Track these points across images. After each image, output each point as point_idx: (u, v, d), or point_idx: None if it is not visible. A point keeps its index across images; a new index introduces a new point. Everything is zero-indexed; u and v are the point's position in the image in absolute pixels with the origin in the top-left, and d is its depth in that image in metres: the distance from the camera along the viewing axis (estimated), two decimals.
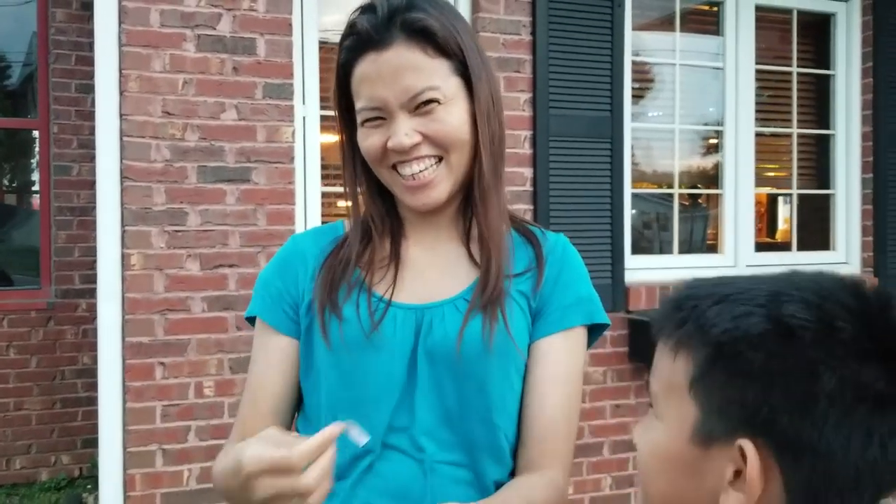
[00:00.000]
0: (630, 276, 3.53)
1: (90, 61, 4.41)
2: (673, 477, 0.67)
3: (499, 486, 1.04)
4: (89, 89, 4.45)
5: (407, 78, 0.99)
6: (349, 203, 1.08)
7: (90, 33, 4.36)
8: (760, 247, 3.92)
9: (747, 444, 0.62)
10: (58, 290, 4.46)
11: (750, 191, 3.81)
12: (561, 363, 1.06)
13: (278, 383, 1.08)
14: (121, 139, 2.74)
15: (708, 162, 3.97)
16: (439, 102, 1.01)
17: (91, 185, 4.46)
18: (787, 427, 0.61)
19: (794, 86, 3.97)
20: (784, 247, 4.04)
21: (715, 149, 3.90)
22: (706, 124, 3.94)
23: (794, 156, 3.98)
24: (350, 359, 1.02)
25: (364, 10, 1.03)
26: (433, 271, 1.07)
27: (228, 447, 1.08)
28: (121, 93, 2.75)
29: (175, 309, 2.79)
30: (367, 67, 1.01)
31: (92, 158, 4.41)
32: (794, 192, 3.99)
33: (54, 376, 4.45)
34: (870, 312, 0.63)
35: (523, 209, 3.31)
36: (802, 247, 4.01)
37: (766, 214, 4.35)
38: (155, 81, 2.78)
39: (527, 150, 3.31)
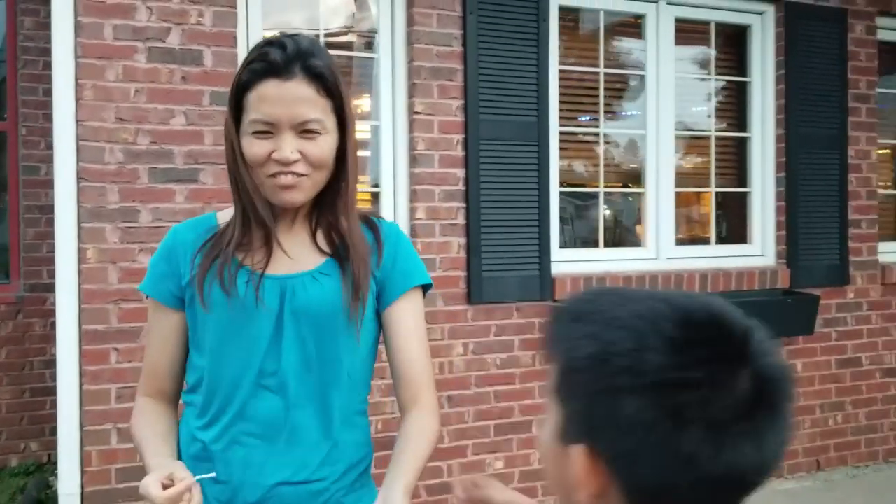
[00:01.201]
0: (558, 268, 3.82)
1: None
2: (553, 467, 0.75)
3: (338, 408, 1.34)
4: None
5: (301, 106, 1.27)
6: (233, 196, 1.36)
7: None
8: (682, 241, 4.23)
9: (576, 450, 0.70)
10: (26, 285, 4.68)
11: (670, 189, 4.11)
12: (410, 319, 1.39)
13: (168, 349, 1.40)
14: (77, 143, 2.99)
15: (634, 162, 4.26)
16: (319, 133, 1.29)
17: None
18: (611, 440, 0.68)
19: (713, 92, 4.28)
20: (704, 241, 4.34)
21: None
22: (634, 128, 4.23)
23: (713, 157, 4.29)
24: (229, 316, 1.31)
25: (274, 44, 1.29)
26: (293, 250, 1.36)
27: (139, 403, 1.42)
28: (77, 100, 3.00)
29: (128, 299, 3.04)
30: (269, 90, 1.27)
31: None
32: (713, 189, 4.30)
33: (23, 367, 4.66)
34: (689, 342, 0.68)
35: (456, 207, 3.59)
36: (721, 241, 4.33)
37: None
38: (109, 90, 3.03)
39: (459, 152, 3.58)
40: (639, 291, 0.77)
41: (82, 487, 3.01)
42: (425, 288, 1.43)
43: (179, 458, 1.36)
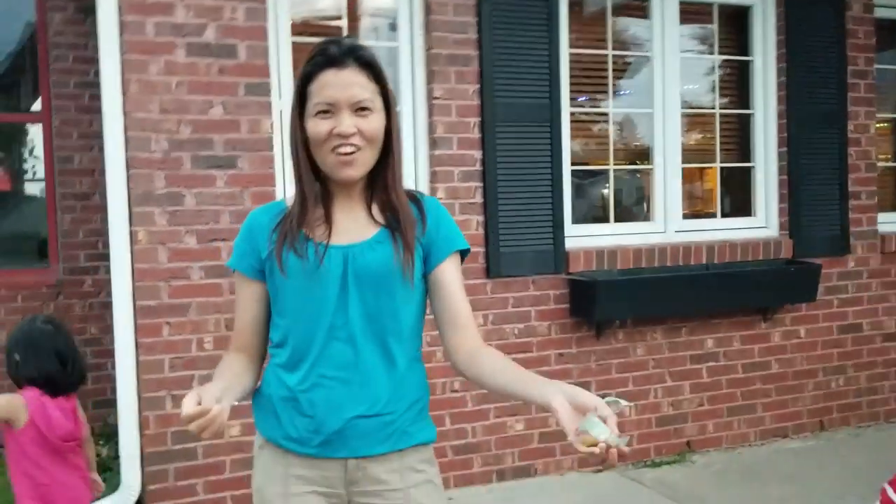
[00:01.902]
0: (571, 243, 4.04)
1: (86, 60, 4.89)
2: None
3: (399, 354, 1.57)
4: (87, 86, 4.91)
5: (355, 88, 1.53)
6: (295, 175, 1.59)
7: (85, 35, 4.85)
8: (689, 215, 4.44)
9: None
10: (65, 269, 4.93)
11: (677, 165, 4.32)
12: (455, 277, 1.62)
13: (248, 311, 1.65)
14: (126, 133, 3.22)
15: (643, 139, 4.46)
16: (371, 111, 1.54)
17: (91, 172, 4.94)
18: None
19: (717, 71, 4.47)
20: (710, 215, 4.55)
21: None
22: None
23: (717, 133, 4.50)
24: (304, 282, 1.56)
25: (330, 43, 1.57)
26: (350, 225, 1.60)
27: (226, 356, 1.66)
28: (123, 94, 3.22)
29: (177, 277, 3.29)
30: (328, 77, 1.53)
31: (91, 148, 4.90)
32: (718, 165, 4.51)
33: None
34: None
35: (474, 186, 3.81)
36: (726, 215, 4.54)
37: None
38: (152, 84, 3.25)
39: (476, 134, 3.80)
40: None
41: (141, 449, 3.27)
42: (463, 253, 1.66)
43: (261, 397, 1.61)
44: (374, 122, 1.54)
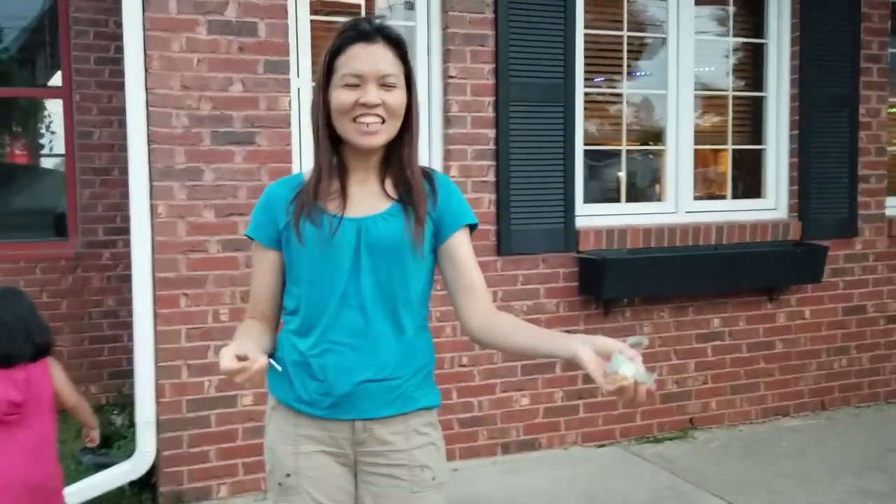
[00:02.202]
0: (582, 222, 4.10)
1: (106, 36, 4.95)
2: None
3: (407, 322, 1.66)
4: (107, 62, 4.98)
5: (382, 63, 1.61)
6: (314, 146, 1.66)
7: (106, 11, 4.91)
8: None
9: None
10: (83, 242, 5.02)
11: (689, 147, 4.36)
12: (466, 248, 1.70)
13: (264, 279, 1.74)
14: (147, 109, 3.29)
15: (656, 121, 4.51)
16: (395, 86, 1.62)
17: (111, 148, 5.02)
18: None
19: (731, 54, 4.50)
20: (722, 196, 4.59)
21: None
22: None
23: (730, 115, 4.53)
24: (319, 252, 1.64)
25: (361, 20, 1.65)
26: (364, 198, 1.67)
27: (243, 322, 1.75)
28: (146, 70, 3.29)
29: (195, 250, 3.37)
30: (358, 51, 1.61)
31: (111, 124, 4.98)
32: (730, 147, 4.55)
33: (83, 317, 5.03)
34: None
35: (487, 165, 3.87)
36: (737, 196, 4.59)
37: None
38: (174, 60, 3.32)
39: (490, 113, 3.85)
40: None
41: (157, 416, 3.38)
42: (472, 228, 1.74)
43: (274, 361, 1.69)
44: (398, 97, 1.62)
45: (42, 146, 5.67)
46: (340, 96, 1.60)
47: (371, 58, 1.60)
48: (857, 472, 3.81)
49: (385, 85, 1.60)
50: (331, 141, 1.66)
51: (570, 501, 3.50)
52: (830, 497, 3.54)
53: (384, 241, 1.64)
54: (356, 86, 1.60)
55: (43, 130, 5.49)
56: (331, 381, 1.63)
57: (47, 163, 5.54)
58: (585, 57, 4.13)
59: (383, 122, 1.61)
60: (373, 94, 1.59)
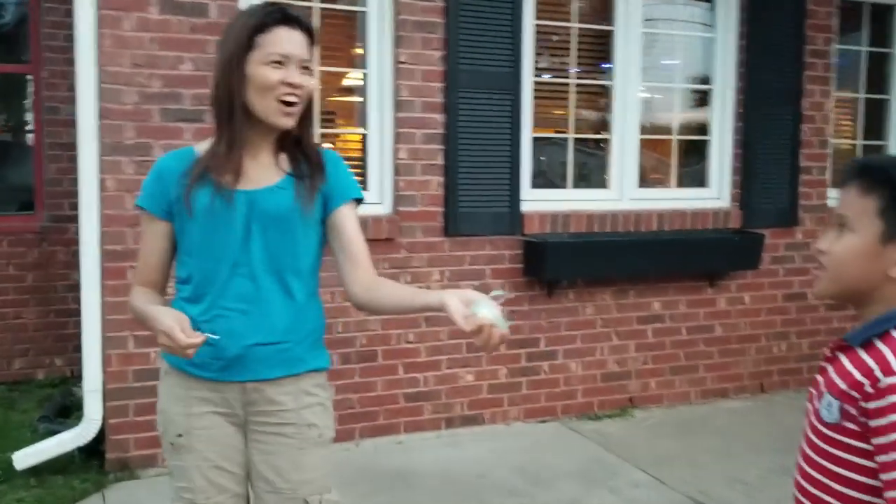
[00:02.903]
0: (528, 206, 4.24)
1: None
2: (862, 262, 1.28)
3: (297, 289, 1.78)
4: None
5: (303, 49, 1.75)
6: (220, 123, 1.75)
7: None
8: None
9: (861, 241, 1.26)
10: (49, 216, 5.13)
11: (635, 136, 4.50)
12: (351, 220, 1.82)
13: (155, 249, 1.83)
14: (98, 85, 3.40)
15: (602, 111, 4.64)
16: (310, 71, 1.76)
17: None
18: None
19: (679, 46, 4.64)
20: (667, 184, 4.74)
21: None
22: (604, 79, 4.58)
23: (675, 108, 4.67)
24: (211, 223, 1.74)
25: (278, 6, 1.75)
26: (256, 172, 1.78)
27: (136, 289, 1.85)
28: (98, 48, 3.40)
29: None
30: (285, 33, 1.72)
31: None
32: (675, 137, 4.69)
33: (48, 290, 5.13)
34: None
35: (436, 149, 4.00)
36: (682, 185, 4.74)
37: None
38: (125, 39, 3.43)
39: (439, 99, 3.98)
40: None
41: (104, 385, 3.50)
42: (358, 202, 1.87)
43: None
44: (312, 82, 1.77)
45: (11, 121, 5.76)
46: (266, 73, 1.70)
47: (295, 42, 1.73)
48: (781, 451, 3.95)
49: (304, 68, 1.74)
50: (242, 112, 1.73)
51: (503, 471, 3.65)
52: (750, 472, 3.71)
53: (274, 212, 1.75)
54: (280, 64, 1.70)
55: (27, 106, 5.55)
56: (221, 345, 1.72)
57: (24, 138, 5.61)
58: (536, 46, 4.25)
59: (297, 103, 1.74)
60: (298, 77, 1.72)
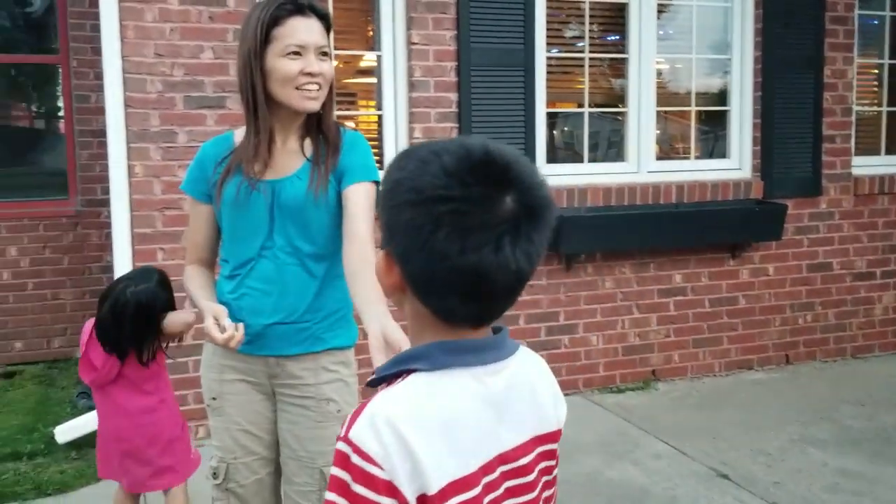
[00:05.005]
0: None
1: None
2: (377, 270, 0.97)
3: (318, 272, 1.87)
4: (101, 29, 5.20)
5: (319, 36, 1.83)
6: (248, 114, 1.84)
7: None
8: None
9: (380, 253, 0.95)
10: (83, 201, 5.30)
11: (652, 109, 4.50)
12: (361, 200, 1.84)
13: (201, 230, 1.97)
14: (123, 75, 3.51)
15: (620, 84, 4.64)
16: (328, 56, 1.85)
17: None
18: (397, 242, 0.92)
19: (695, 16, 4.61)
20: (686, 156, 4.74)
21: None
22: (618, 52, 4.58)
23: (694, 78, 4.65)
24: (239, 212, 1.86)
25: None
26: (282, 160, 1.88)
27: (188, 268, 1.98)
28: (121, 39, 3.51)
29: (170, 207, 3.62)
30: (299, 23, 1.80)
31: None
32: (693, 108, 4.67)
33: (83, 272, 5.32)
34: (459, 170, 0.88)
35: (450, 127, 4.05)
36: (702, 156, 4.73)
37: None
38: (147, 30, 3.53)
39: (452, 78, 4.03)
40: (443, 140, 0.95)
41: None
42: (377, 184, 1.92)
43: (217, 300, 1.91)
44: (331, 67, 1.85)
45: (43, 110, 5.93)
46: (285, 65, 1.79)
47: (311, 30, 1.80)
48: (805, 422, 3.99)
49: (322, 54, 1.81)
50: (265, 102, 1.82)
51: None
52: (773, 444, 3.73)
53: (290, 202, 1.85)
54: (298, 55, 1.78)
55: (57, 94, 5.70)
56: (245, 322, 1.84)
57: (56, 126, 5.78)
58: (548, 21, 4.26)
59: (320, 88, 1.82)
60: (316, 64, 1.79)
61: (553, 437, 1.04)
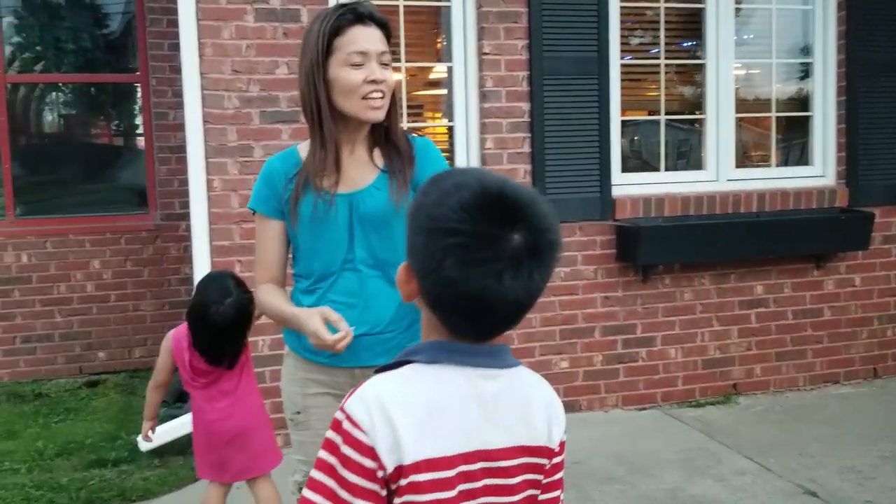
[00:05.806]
0: (619, 191, 4.20)
1: (178, 24, 5.30)
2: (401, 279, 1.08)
3: None
4: (179, 48, 5.35)
5: (380, 43, 1.82)
6: (313, 128, 1.84)
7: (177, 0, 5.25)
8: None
9: (402, 265, 1.08)
10: (162, 215, 5.45)
11: (730, 115, 4.38)
12: None
13: (273, 247, 1.94)
14: (202, 92, 3.60)
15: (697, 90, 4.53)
16: (389, 64, 1.84)
17: (184, 127, 5.38)
18: (415, 261, 1.04)
19: (774, 20, 4.47)
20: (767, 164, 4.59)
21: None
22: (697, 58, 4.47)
23: (774, 83, 4.51)
24: (316, 227, 1.85)
25: (351, 6, 1.83)
26: (354, 172, 1.87)
27: (263, 286, 1.96)
28: (200, 56, 3.59)
29: (248, 220, 3.67)
30: (360, 33, 1.80)
31: (184, 106, 5.35)
32: (774, 114, 4.53)
33: (162, 284, 5.47)
34: (473, 206, 0.97)
35: (522, 137, 4.02)
36: (784, 164, 4.57)
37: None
38: (224, 47, 3.61)
39: (524, 87, 3.99)
40: (471, 170, 1.05)
41: None
42: None
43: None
44: (392, 74, 1.84)
45: (122, 127, 6.13)
46: (349, 74, 1.78)
47: (372, 38, 1.80)
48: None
49: (383, 63, 1.81)
50: (329, 113, 1.82)
51: (601, 459, 3.65)
52: (862, 462, 3.56)
53: (372, 214, 1.84)
54: (360, 65, 1.78)
55: (135, 112, 5.90)
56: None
57: (135, 143, 5.97)
58: (622, 28, 4.19)
59: (383, 96, 1.81)
60: (379, 72, 1.79)
61: (541, 452, 1.08)
